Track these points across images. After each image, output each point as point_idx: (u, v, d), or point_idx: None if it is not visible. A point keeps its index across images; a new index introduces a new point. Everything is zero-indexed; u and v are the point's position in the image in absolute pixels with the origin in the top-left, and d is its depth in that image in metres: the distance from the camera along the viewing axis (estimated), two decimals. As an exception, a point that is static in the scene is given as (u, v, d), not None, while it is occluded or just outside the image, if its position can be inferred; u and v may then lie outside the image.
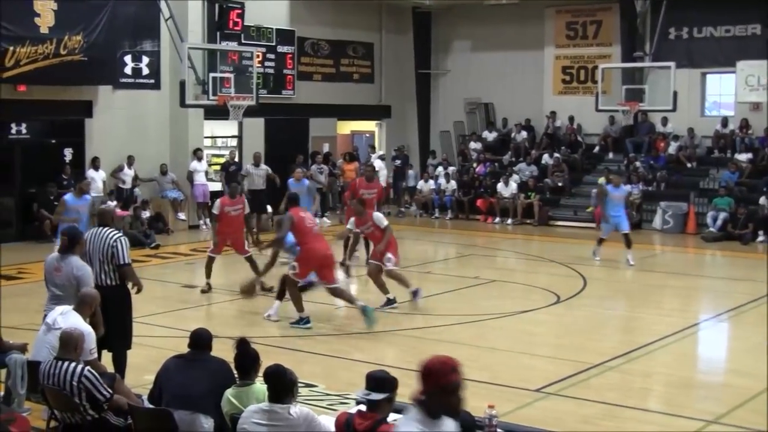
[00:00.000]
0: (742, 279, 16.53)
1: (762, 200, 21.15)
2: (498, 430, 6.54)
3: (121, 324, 8.71)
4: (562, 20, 27.33)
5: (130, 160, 21.27)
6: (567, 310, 13.77)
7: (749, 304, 14.04)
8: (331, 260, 12.30)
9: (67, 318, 7.64)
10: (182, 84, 19.79)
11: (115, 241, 8.74)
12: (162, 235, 20.39)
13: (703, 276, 16.75)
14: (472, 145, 27.67)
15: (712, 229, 21.51)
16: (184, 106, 20.42)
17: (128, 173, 21.40)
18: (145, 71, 21.88)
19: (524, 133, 27.12)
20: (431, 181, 25.97)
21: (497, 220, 24.36)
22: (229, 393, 6.54)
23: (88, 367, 6.91)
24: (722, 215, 21.45)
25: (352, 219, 13.92)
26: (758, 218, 21.06)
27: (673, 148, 24.77)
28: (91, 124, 21.00)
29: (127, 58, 21.49)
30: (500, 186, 24.47)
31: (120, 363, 8.72)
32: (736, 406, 9.01)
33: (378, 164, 25.81)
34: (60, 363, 6.87)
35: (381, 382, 5.83)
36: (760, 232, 20.92)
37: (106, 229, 8.91)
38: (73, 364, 6.85)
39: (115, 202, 20.28)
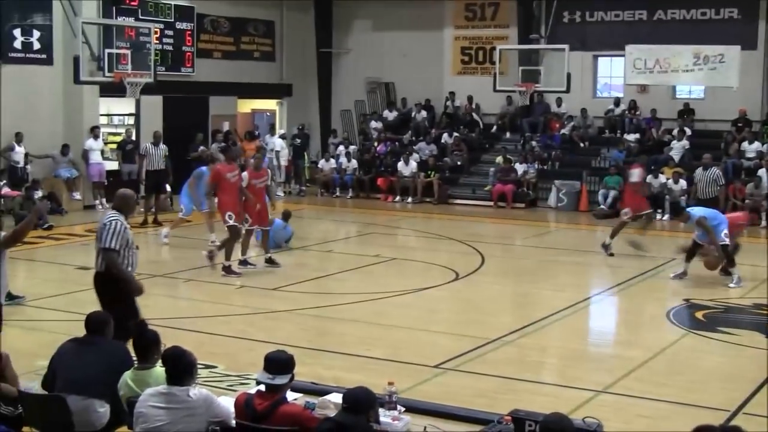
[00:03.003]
0: (630, 254, 17.08)
1: (649, 178, 21.82)
2: (398, 406, 6.70)
3: (111, 312, 8.25)
4: (461, 2, 27.61)
5: (19, 137, 20.57)
6: (465, 287, 14.07)
7: (636, 278, 14.63)
8: None
9: None
10: (76, 60, 19.34)
11: (104, 224, 8.32)
12: (56, 216, 19.93)
13: (595, 252, 17.22)
14: (373, 124, 27.82)
15: (602, 206, 22.21)
16: (79, 82, 19.97)
17: (19, 151, 20.76)
18: (36, 46, 21.14)
19: (424, 113, 27.39)
20: (332, 160, 26.03)
21: (397, 198, 24.58)
22: (127, 376, 6.43)
23: None
24: (612, 193, 22.16)
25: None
26: (645, 196, 21.71)
27: (567, 128, 25.40)
28: (-24, 100, 20.21)
29: (17, 32, 20.68)
30: (400, 165, 24.69)
31: None
32: (623, 375, 9.41)
33: (278, 143, 25.80)
34: None
35: (283, 364, 5.93)
36: (647, 209, 21.72)
37: (109, 211, 8.55)
38: None
39: (4, 182, 19.74)
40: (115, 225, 8.24)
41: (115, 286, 8.27)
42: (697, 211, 14.25)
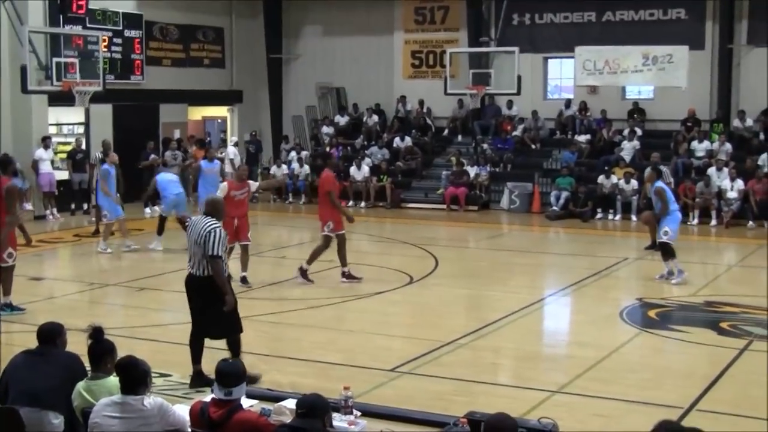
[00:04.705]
0: (583, 255, 17.26)
1: (600, 179, 22.11)
2: (354, 410, 6.71)
3: (215, 313, 8.77)
4: (410, 5, 27.72)
5: None
6: (420, 290, 14.10)
7: (590, 278, 14.75)
8: None
9: None
10: (23, 69, 19.12)
11: (208, 232, 8.61)
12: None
13: (548, 253, 17.35)
14: (325, 129, 27.78)
15: (555, 207, 22.36)
16: (26, 92, 19.75)
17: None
18: (-18, 56, 20.95)
19: (375, 117, 27.42)
20: (284, 166, 25.95)
21: (350, 203, 24.55)
22: (80, 386, 6.34)
23: None
24: (564, 194, 22.33)
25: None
26: (597, 196, 22.03)
27: (518, 130, 25.56)
28: None
29: (-39, 42, 20.47)
30: (353, 170, 24.68)
31: (233, 348, 8.91)
32: (578, 375, 9.46)
33: (231, 151, 25.68)
34: None
35: (237, 375, 5.95)
36: (599, 210, 21.92)
37: (206, 218, 8.82)
38: None
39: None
40: (219, 232, 8.64)
41: (210, 289, 8.67)
42: (660, 182, 14.35)
